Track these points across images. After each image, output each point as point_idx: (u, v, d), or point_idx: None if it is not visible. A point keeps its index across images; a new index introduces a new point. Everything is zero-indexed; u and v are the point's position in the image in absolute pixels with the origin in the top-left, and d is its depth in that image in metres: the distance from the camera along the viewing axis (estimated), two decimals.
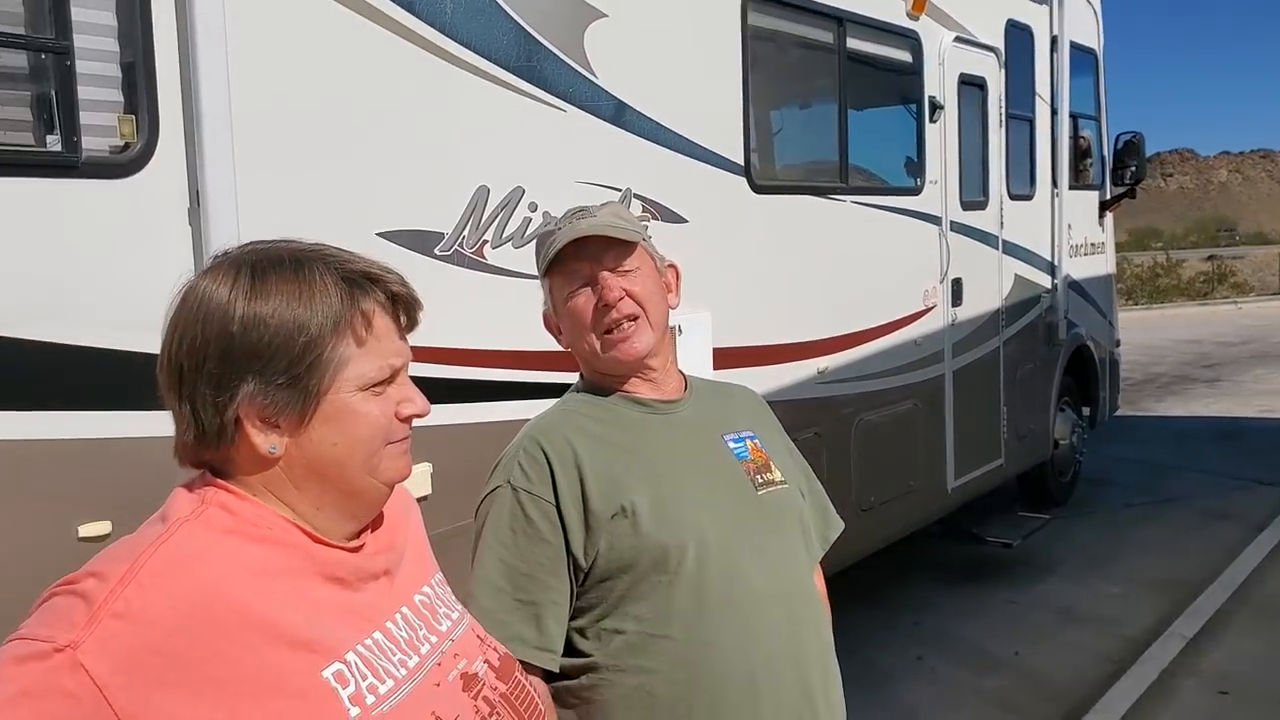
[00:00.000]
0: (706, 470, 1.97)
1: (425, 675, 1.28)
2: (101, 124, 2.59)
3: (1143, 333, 18.67)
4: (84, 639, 1.05)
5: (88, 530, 2.52)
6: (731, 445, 2.02)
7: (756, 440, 2.06)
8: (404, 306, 1.30)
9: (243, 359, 1.19)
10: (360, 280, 1.26)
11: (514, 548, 1.86)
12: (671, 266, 2.06)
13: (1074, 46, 7.64)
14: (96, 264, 2.57)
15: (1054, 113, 7.46)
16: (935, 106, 6.01)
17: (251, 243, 1.29)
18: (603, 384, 2.01)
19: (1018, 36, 6.94)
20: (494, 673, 1.40)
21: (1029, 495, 7.99)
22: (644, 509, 1.85)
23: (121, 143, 2.63)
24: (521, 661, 1.70)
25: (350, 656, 1.20)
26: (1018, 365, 7.13)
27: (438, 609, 1.41)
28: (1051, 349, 7.65)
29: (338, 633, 1.21)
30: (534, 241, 2.06)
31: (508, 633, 1.76)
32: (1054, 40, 7.38)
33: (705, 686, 1.82)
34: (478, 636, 1.45)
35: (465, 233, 3.41)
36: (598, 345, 1.93)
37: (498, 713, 1.34)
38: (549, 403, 3.80)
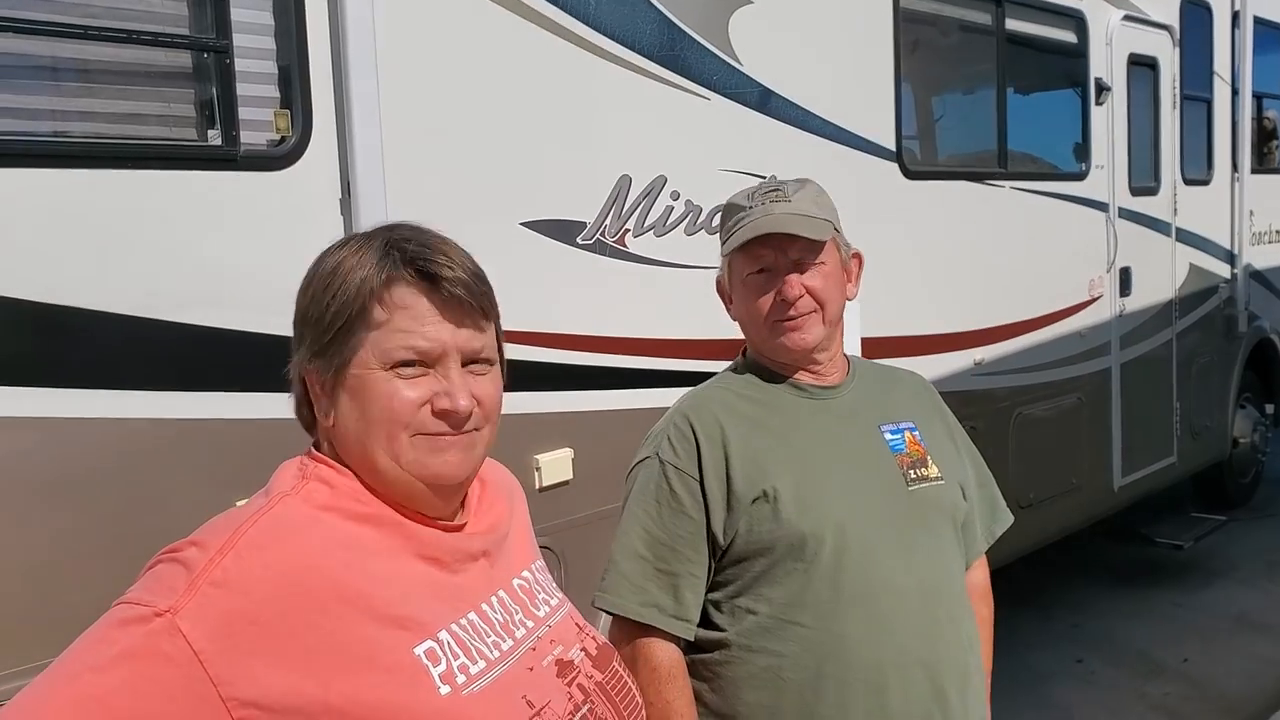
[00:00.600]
0: (856, 460, 1.95)
1: (519, 659, 1.28)
2: (259, 119, 2.71)
3: None
4: (183, 605, 1.08)
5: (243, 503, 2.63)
6: (888, 437, 1.99)
7: (915, 432, 2.02)
8: (454, 288, 1.25)
9: (299, 323, 1.28)
10: (406, 257, 1.24)
11: (657, 519, 1.89)
12: (856, 255, 2.05)
13: (1259, 22, 7.22)
14: (254, 253, 2.69)
15: (1235, 93, 7.07)
16: (1102, 88, 5.77)
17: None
18: (765, 364, 2.02)
19: (1194, 12, 6.60)
20: (591, 661, 1.38)
21: (1205, 496, 7.59)
22: (786, 495, 1.86)
23: (278, 137, 2.75)
24: (657, 629, 1.85)
25: (443, 635, 1.21)
26: (1193, 359, 6.79)
27: (536, 594, 1.40)
28: (1231, 342, 7.25)
29: (431, 611, 1.22)
30: (721, 209, 2.06)
31: (645, 599, 1.85)
32: (1235, 15, 6.99)
33: (832, 675, 1.82)
34: (577, 624, 1.44)
35: (607, 222, 3.44)
36: (767, 332, 1.95)
37: (591, 701, 1.33)
38: (681, 391, 3.87)
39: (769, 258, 1.92)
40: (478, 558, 1.33)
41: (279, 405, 2.69)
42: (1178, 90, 6.45)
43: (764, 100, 3.91)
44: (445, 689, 1.17)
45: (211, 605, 1.09)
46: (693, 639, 1.89)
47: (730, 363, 2.12)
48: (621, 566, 1.88)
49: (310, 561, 1.15)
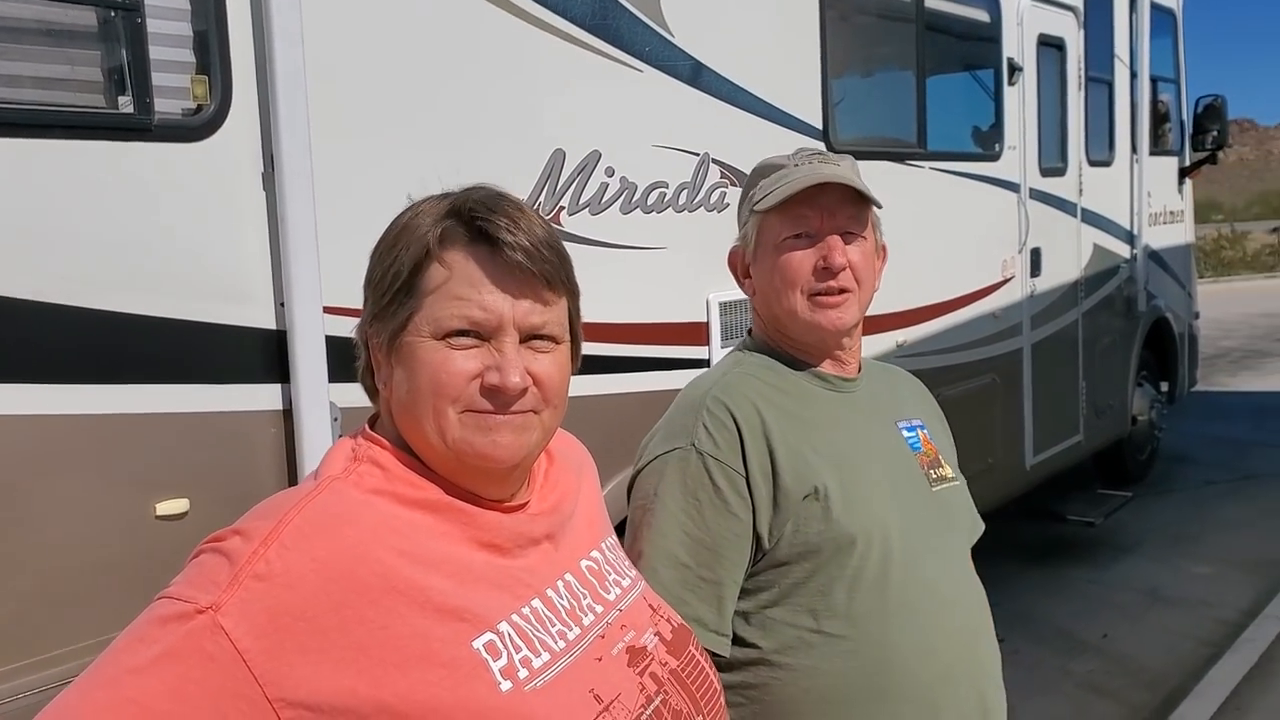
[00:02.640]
0: (887, 459, 1.80)
1: (586, 649, 1.18)
2: (173, 85, 2.48)
3: (1210, 306, 18.16)
4: (225, 601, 1.01)
5: (165, 508, 2.42)
6: (905, 434, 1.85)
7: (925, 431, 1.89)
8: (526, 256, 1.14)
9: (365, 286, 1.21)
10: (466, 217, 1.15)
11: (699, 519, 1.65)
12: (883, 248, 1.88)
13: (1153, 7, 7.35)
14: (169, 231, 2.46)
15: (1133, 75, 7.19)
16: (1014, 68, 5.78)
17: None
18: (783, 348, 1.82)
19: None
20: (665, 646, 1.27)
21: (1106, 472, 7.74)
22: (835, 493, 1.67)
23: (194, 105, 2.52)
24: None
25: (503, 627, 1.12)
26: (1096, 338, 6.89)
27: (606, 576, 1.30)
28: (1130, 321, 7.40)
29: (491, 601, 1.13)
30: (753, 172, 1.84)
31: (686, 612, 1.57)
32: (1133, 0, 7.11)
33: (885, 694, 1.64)
34: (650, 606, 1.33)
35: (541, 198, 3.27)
36: (801, 305, 1.74)
37: (665, 690, 1.22)
38: (625, 378, 3.74)
39: (813, 220, 1.73)
40: (540, 541, 1.22)
41: (202, 397, 2.53)
42: (1083, 71, 6.52)
43: (696, 74, 3.78)
44: (506, 685, 1.09)
45: (256, 600, 1.01)
46: (728, 655, 1.66)
47: (738, 347, 1.92)
48: (661, 574, 1.62)
49: (360, 551, 1.07)
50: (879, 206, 1.80)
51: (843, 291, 1.73)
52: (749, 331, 1.93)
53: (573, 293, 1.24)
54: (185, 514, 2.44)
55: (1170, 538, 6.78)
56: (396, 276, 1.15)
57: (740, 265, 1.87)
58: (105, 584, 2.33)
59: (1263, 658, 4.93)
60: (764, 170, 1.82)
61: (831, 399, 1.81)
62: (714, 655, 1.60)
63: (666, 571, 1.64)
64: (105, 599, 2.31)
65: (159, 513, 2.42)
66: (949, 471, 1.87)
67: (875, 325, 4.86)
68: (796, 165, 1.77)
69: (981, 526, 1.98)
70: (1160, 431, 8.10)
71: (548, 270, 1.16)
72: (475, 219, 1.15)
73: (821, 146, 4.29)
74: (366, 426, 1.22)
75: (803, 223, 1.73)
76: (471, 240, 1.15)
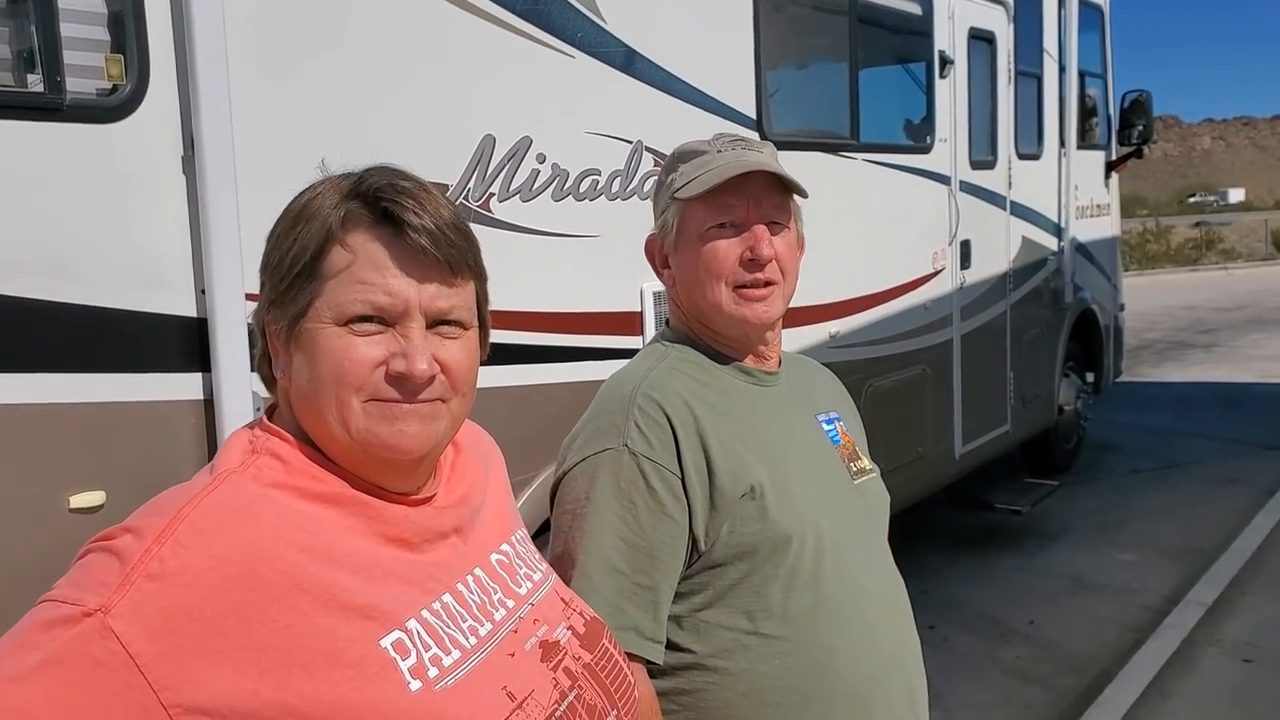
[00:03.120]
0: (811, 454, 1.76)
1: (498, 645, 1.15)
2: (87, 64, 2.39)
3: (1135, 299, 18.55)
4: (115, 603, 0.95)
5: (80, 501, 2.35)
6: (825, 427, 1.81)
7: (842, 423, 1.86)
8: (429, 240, 1.10)
9: (262, 270, 1.15)
10: (370, 198, 1.11)
11: (634, 523, 1.57)
12: (802, 238, 1.81)
13: (1082, 3, 7.45)
14: (83, 216, 2.38)
15: (1062, 70, 7.29)
16: (945, 61, 5.83)
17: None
18: (704, 341, 1.77)
19: None
20: (578, 640, 1.25)
21: (1033, 462, 7.86)
22: (769, 491, 1.62)
23: (109, 85, 2.44)
24: (635, 657, 1.52)
25: (412, 624, 1.08)
26: (1024, 329, 6.98)
27: (517, 570, 1.27)
28: (1057, 313, 7.50)
29: (399, 598, 1.09)
30: (671, 156, 1.76)
31: (622, 621, 1.53)
32: None
33: (820, 693, 1.61)
34: (562, 599, 1.30)
35: (471, 184, 3.22)
36: (726, 298, 1.68)
37: (579, 685, 1.19)
38: (548, 368, 3.71)
39: (739, 209, 1.66)
40: (448, 535, 1.19)
41: (118, 386, 2.45)
42: (1013, 65, 6.60)
43: (629, 61, 3.75)
44: (416, 684, 1.05)
45: (149, 601, 0.95)
46: (661, 662, 1.60)
47: (656, 341, 1.83)
48: (597, 582, 1.55)
49: (261, 547, 1.02)
50: (805, 196, 1.75)
51: (768, 284, 1.69)
52: (667, 323, 1.85)
53: (480, 276, 1.19)
54: (101, 506, 2.37)
55: (1095, 525, 6.89)
56: (296, 260, 1.10)
57: (659, 255, 1.79)
58: (14, 579, 2.25)
59: (1184, 642, 5.03)
60: (684, 155, 1.74)
61: (756, 393, 1.76)
62: (647, 662, 1.59)
63: (603, 580, 1.56)
64: (15, 595, 2.23)
65: (73, 505, 2.34)
66: (866, 463, 1.85)
67: (808, 316, 4.88)
68: (719, 151, 1.70)
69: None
70: (1086, 421, 8.24)
71: (453, 254, 1.12)
72: (379, 200, 1.10)
73: (744, 132, 4.28)
74: (264, 417, 1.17)
75: (728, 211, 1.67)
76: (375, 222, 1.10)
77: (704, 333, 1.77)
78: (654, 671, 1.61)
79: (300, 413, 1.13)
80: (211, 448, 2.57)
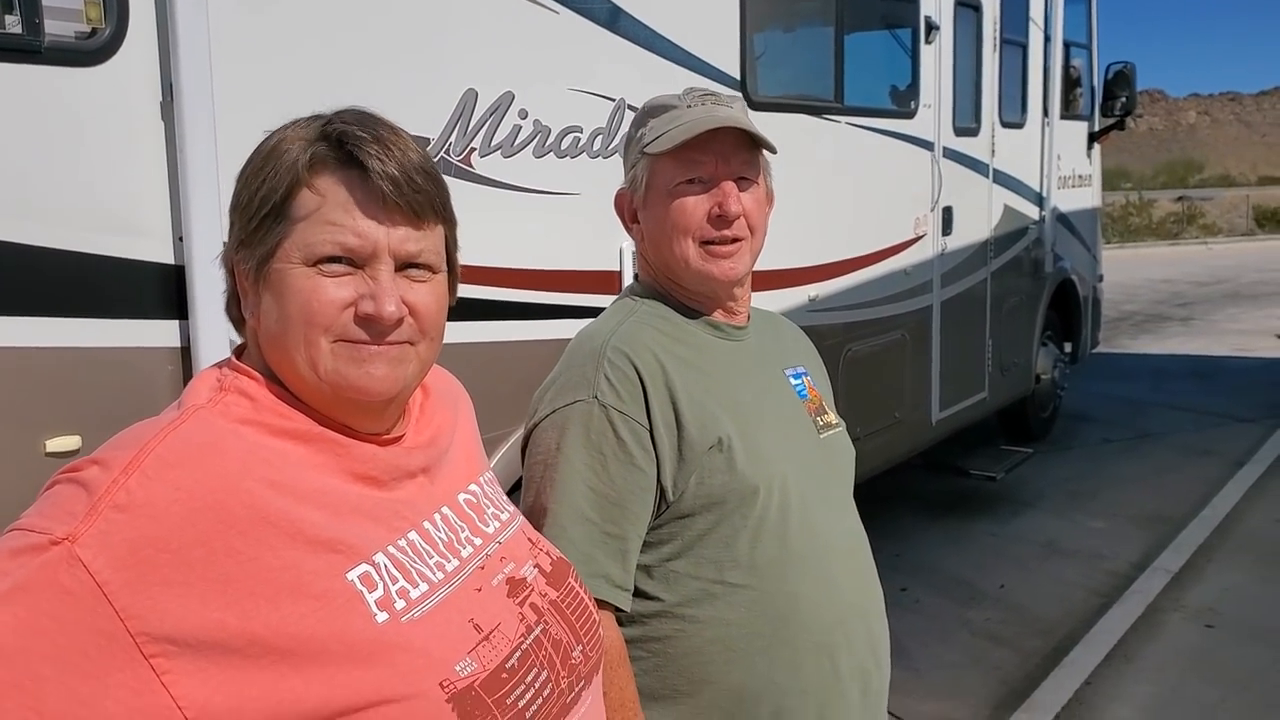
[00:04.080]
0: (778, 408, 1.79)
1: (465, 580, 1.17)
2: (65, 6, 2.37)
3: (1115, 271, 18.67)
4: (82, 532, 0.96)
5: (55, 445, 2.35)
6: (792, 381, 1.84)
7: (809, 377, 1.89)
8: (393, 186, 1.11)
9: (231, 211, 1.16)
10: (336, 141, 1.11)
11: (603, 473, 1.61)
12: (771, 194, 1.83)
13: None
14: (60, 160, 2.37)
15: (1047, 39, 7.29)
16: (931, 27, 5.82)
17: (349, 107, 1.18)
18: (673, 296, 1.78)
19: None
20: (545, 578, 1.28)
21: (1008, 430, 7.93)
22: (737, 443, 1.65)
23: (88, 28, 2.42)
24: (605, 604, 1.58)
25: (379, 558, 1.10)
26: (1004, 298, 7.02)
27: (485, 509, 1.29)
28: (1037, 282, 7.54)
29: (366, 533, 1.10)
30: (641, 110, 1.76)
31: (593, 569, 1.57)
32: None
33: (787, 641, 1.66)
34: (529, 539, 1.33)
35: (452, 139, 3.21)
36: (693, 253, 1.70)
37: (545, 620, 1.22)
38: (528, 325, 3.71)
39: (708, 165, 1.67)
40: (416, 474, 1.20)
41: (95, 332, 2.45)
42: (998, 33, 6.59)
43: (613, 18, 3.74)
44: (383, 616, 1.07)
45: (116, 531, 0.96)
46: (629, 609, 1.65)
47: (625, 295, 1.85)
48: (569, 531, 1.59)
49: (228, 481, 1.03)
50: (773, 151, 1.76)
51: (735, 240, 1.70)
52: (636, 277, 1.87)
53: (449, 221, 1.21)
54: (77, 451, 2.37)
55: (1068, 493, 6.97)
56: (265, 201, 1.10)
57: (627, 209, 1.79)
58: None
59: (1149, 608, 5.11)
60: (654, 109, 1.74)
61: (725, 348, 1.78)
62: (616, 610, 1.63)
63: (575, 528, 1.60)
64: None
65: (49, 449, 2.35)
66: (833, 418, 1.88)
67: (788, 279, 4.89)
68: (689, 106, 1.70)
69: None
70: (1062, 391, 8.30)
71: (419, 199, 1.13)
72: (345, 144, 1.11)
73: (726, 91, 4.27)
74: (233, 357, 1.18)
75: (696, 167, 1.68)
76: (343, 165, 1.11)
77: (672, 288, 1.78)
78: (624, 620, 1.65)
79: (269, 353, 1.14)
80: None
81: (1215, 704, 4.18)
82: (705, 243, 1.70)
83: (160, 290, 2.54)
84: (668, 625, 1.66)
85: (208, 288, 2.54)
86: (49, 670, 0.92)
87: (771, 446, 1.71)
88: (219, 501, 1.00)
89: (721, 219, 1.68)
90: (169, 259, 2.54)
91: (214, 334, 2.56)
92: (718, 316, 1.79)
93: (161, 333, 2.55)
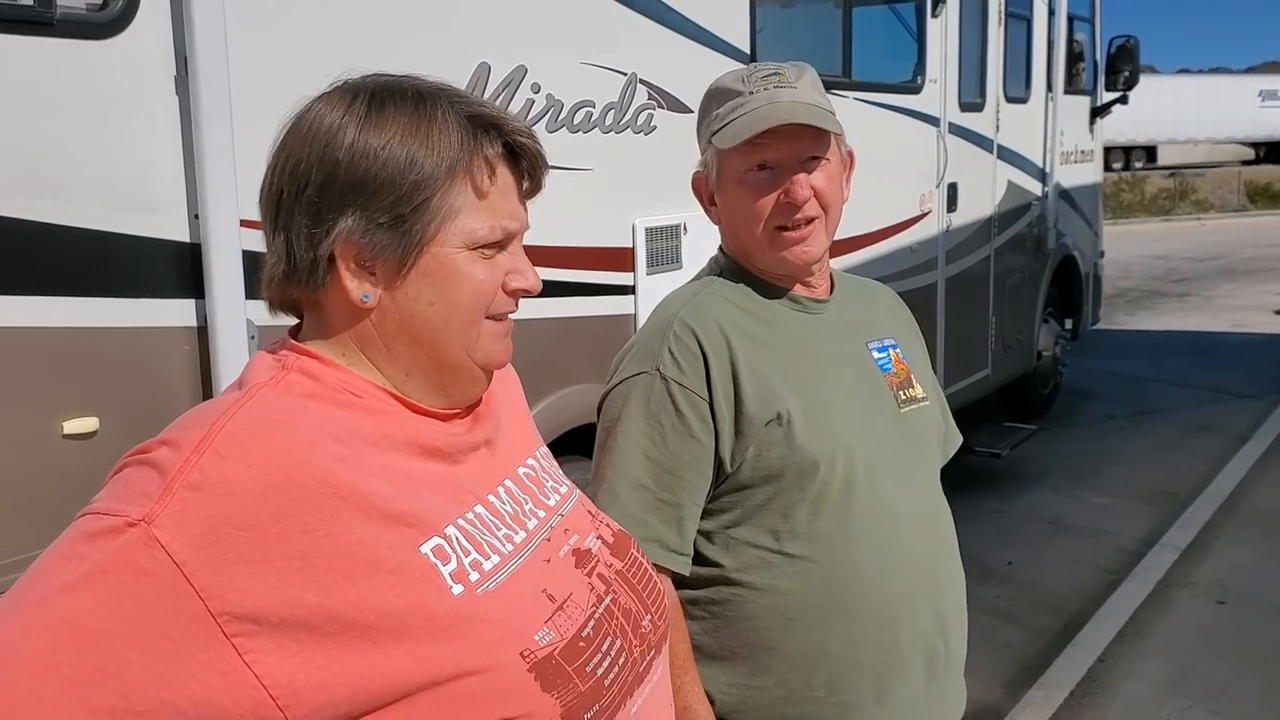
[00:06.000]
0: (854, 381, 1.79)
1: (534, 551, 1.16)
2: None
3: (1110, 248, 18.60)
4: (158, 512, 0.94)
5: (73, 427, 2.30)
6: (876, 355, 1.84)
7: (899, 349, 1.88)
8: (529, 165, 1.16)
9: (345, 190, 1.07)
10: (486, 126, 1.12)
11: (661, 443, 1.66)
12: (850, 153, 1.85)
13: None
14: (72, 135, 2.32)
15: (1051, 13, 7.24)
16: (938, 1, 5.77)
17: (376, 73, 1.15)
18: (754, 272, 1.80)
19: None
20: (609, 549, 1.27)
21: (1010, 406, 7.90)
22: (798, 418, 1.68)
23: (100, 0, 2.36)
24: (659, 568, 1.58)
25: (450, 531, 1.08)
26: (1007, 274, 6.99)
27: (545, 482, 1.28)
28: (1039, 259, 7.51)
29: (435, 506, 1.09)
30: (707, 93, 1.80)
31: (646, 533, 1.62)
32: None
33: (843, 612, 1.67)
34: (589, 512, 1.32)
35: None
36: (766, 240, 1.73)
37: (614, 590, 1.21)
38: (549, 303, 3.67)
39: (774, 152, 1.69)
40: (479, 447, 1.19)
41: (110, 311, 2.40)
42: (1004, 6, 6.54)
43: None
44: (458, 588, 1.05)
45: (191, 511, 0.94)
46: (688, 574, 1.69)
47: (709, 266, 1.89)
48: (622, 497, 1.65)
49: (299, 455, 1.01)
50: (839, 132, 1.77)
51: (809, 221, 1.71)
52: (721, 249, 1.88)
53: None
54: (95, 433, 2.33)
55: (1072, 470, 6.97)
56: (424, 185, 1.08)
57: (705, 193, 1.83)
58: (9, 505, 2.22)
59: (1159, 584, 5.11)
60: (719, 95, 1.76)
61: (802, 321, 1.79)
62: (676, 574, 1.67)
63: (628, 494, 1.66)
64: (10, 520, 2.20)
65: (66, 431, 2.30)
66: (919, 391, 1.87)
67: None
68: (752, 93, 1.70)
69: (958, 439, 2.05)
70: (1064, 367, 8.28)
71: (543, 180, 1.18)
72: (501, 129, 1.12)
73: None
74: (289, 338, 1.16)
75: (764, 152, 1.70)
76: (502, 151, 1.13)
77: (750, 266, 1.81)
78: (685, 582, 1.70)
79: (391, 336, 1.11)
80: (205, 374, 2.53)
81: (1230, 680, 4.17)
82: (778, 228, 1.72)
83: (176, 269, 2.49)
84: (726, 590, 1.70)
85: (224, 267, 2.50)
86: (132, 653, 0.91)
87: (840, 421, 1.72)
88: (292, 477, 0.99)
89: (790, 205, 1.70)
90: (185, 237, 2.49)
91: (230, 313, 2.51)
92: (797, 290, 1.81)
93: (178, 312, 2.50)
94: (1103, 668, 4.33)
